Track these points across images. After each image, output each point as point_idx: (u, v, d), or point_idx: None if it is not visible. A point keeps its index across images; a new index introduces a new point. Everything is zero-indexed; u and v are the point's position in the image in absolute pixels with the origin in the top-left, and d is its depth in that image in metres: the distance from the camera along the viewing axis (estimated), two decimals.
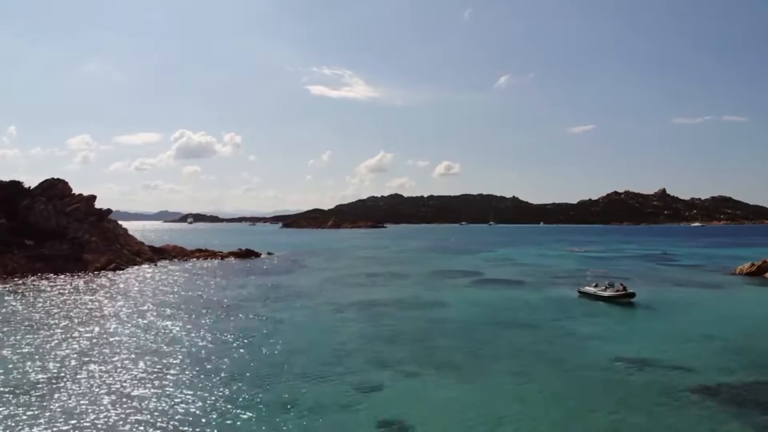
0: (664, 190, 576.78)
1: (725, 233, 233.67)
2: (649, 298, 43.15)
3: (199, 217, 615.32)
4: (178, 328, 31.85)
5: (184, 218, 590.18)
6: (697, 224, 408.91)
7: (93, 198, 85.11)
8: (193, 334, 30.25)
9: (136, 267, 73.18)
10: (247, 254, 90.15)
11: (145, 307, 38.93)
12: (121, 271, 67.01)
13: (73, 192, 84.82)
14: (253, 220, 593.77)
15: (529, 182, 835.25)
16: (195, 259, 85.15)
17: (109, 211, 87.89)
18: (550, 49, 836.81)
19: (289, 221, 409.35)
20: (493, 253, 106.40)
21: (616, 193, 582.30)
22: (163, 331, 31.19)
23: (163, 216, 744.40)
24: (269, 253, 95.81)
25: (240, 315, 36.41)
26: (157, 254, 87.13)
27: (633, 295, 41.69)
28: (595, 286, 44.77)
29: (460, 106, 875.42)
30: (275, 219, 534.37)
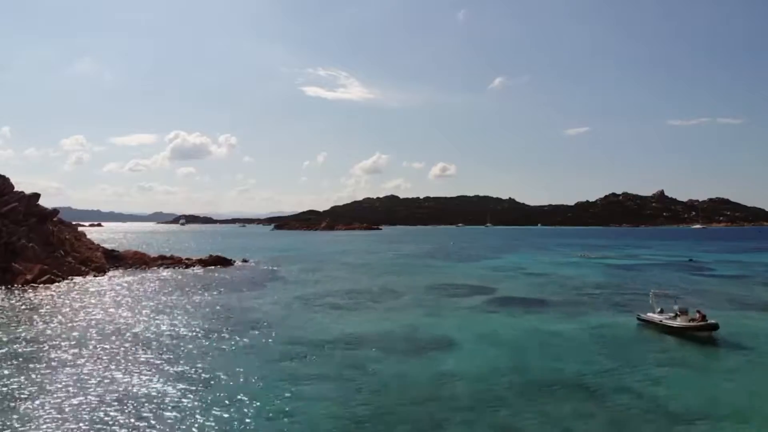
0: (662, 192, 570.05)
1: (733, 236, 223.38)
2: (730, 330, 31.41)
3: (192, 219, 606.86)
4: (41, 387, 19.87)
5: (177, 220, 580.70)
6: (698, 226, 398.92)
7: (36, 197, 72.93)
8: (59, 401, 18.31)
9: (78, 278, 61.20)
10: (217, 261, 78.04)
11: (24, 346, 26.89)
12: (54, 285, 55.00)
13: (15, 189, 73.01)
14: (245, 221, 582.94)
15: (525, 184, 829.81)
16: (155, 268, 73.10)
17: (55, 211, 75.79)
18: (543, 51, 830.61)
19: (281, 223, 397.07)
20: (499, 259, 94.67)
21: (614, 194, 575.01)
22: (17, 390, 19.20)
23: (158, 217, 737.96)
24: (244, 260, 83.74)
25: (153, 363, 24.46)
26: (111, 262, 74.94)
27: (716, 326, 29.89)
28: (660, 311, 33.13)
29: (455, 107, 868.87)
30: (270, 221, 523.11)
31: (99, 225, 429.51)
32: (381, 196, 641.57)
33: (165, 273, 67.06)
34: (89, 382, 21.93)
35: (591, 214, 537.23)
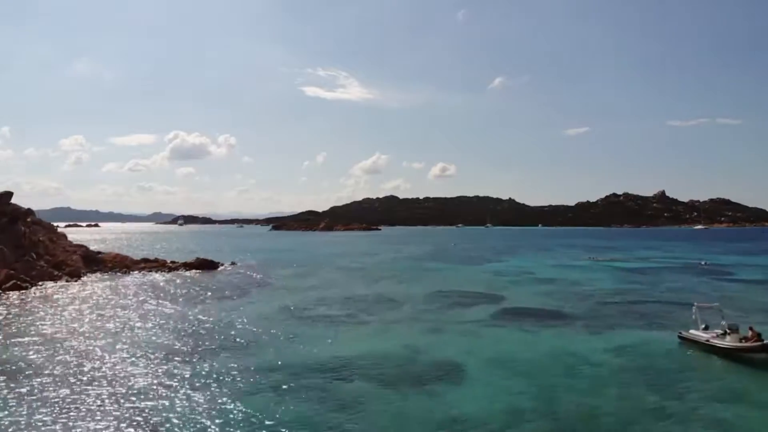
0: (663, 192, 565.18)
1: (737, 237, 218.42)
2: None
3: (191, 219, 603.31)
4: None
5: (175, 220, 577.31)
6: (700, 227, 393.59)
7: (8, 195, 68.11)
8: None
9: (50, 283, 56.47)
10: (202, 265, 73.14)
11: None
12: (19, 292, 50.15)
13: None
14: (244, 222, 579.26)
15: (525, 184, 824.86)
16: (136, 272, 68.17)
17: (29, 211, 71.01)
18: (543, 51, 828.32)
19: (279, 224, 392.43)
20: (503, 263, 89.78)
21: (614, 194, 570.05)
22: None
23: (157, 218, 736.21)
24: (233, 263, 78.87)
25: (94, 397, 19.58)
26: (89, 265, 70.11)
27: None
28: (705, 328, 28.30)
29: (455, 107, 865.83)
30: (268, 221, 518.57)
31: (96, 225, 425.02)
32: (380, 196, 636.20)
33: (143, 278, 62.20)
34: (16, 421, 17.10)
35: (591, 215, 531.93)
